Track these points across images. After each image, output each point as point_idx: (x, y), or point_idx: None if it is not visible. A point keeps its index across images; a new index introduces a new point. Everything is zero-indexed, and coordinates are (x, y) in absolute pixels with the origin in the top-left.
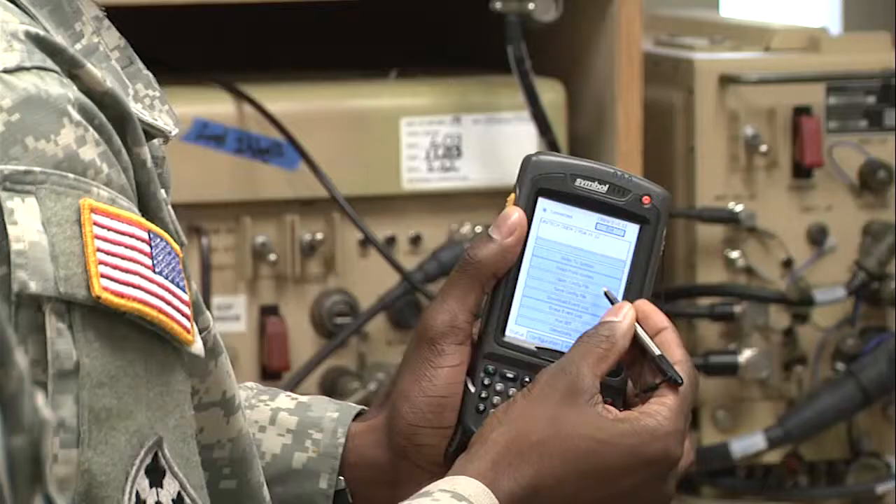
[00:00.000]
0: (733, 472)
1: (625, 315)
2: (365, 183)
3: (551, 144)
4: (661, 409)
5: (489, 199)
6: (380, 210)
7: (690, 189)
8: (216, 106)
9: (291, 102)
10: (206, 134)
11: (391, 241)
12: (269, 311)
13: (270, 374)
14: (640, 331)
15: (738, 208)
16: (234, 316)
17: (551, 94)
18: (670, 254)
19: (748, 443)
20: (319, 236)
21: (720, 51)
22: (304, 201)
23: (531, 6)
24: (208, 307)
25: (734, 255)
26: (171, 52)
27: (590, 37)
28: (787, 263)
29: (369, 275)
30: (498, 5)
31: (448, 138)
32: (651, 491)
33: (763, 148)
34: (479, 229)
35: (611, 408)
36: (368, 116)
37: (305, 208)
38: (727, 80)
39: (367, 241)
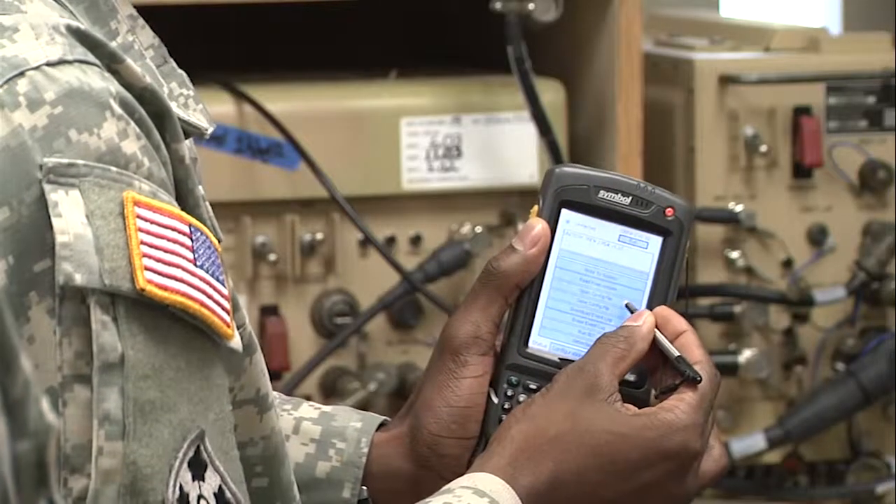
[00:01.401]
0: (733, 472)
1: (644, 320)
2: (365, 183)
3: (551, 144)
4: (678, 404)
5: (489, 199)
6: (380, 210)
7: (690, 189)
8: (216, 106)
9: (291, 102)
10: None
11: (391, 241)
12: (269, 311)
13: (270, 374)
14: (659, 335)
15: (738, 208)
16: None
17: (551, 94)
18: None
19: (748, 443)
20: (319, 236)
21: (720, 51)
22: (304, 201)
23: (531, 6)
24: None
25: (734, 255)
26: (172, 52)
27: (590, 37)
28: (787, 263)
29: (369, 275)
30: (498, 5)
31: (448, 138)
32: (671, 485)
33: (763, 148)
34: (479, 229)
35: (629, 405)
36: (368, 116)
37: (305, 208)
38: (727, 80)
39: (367, 241)
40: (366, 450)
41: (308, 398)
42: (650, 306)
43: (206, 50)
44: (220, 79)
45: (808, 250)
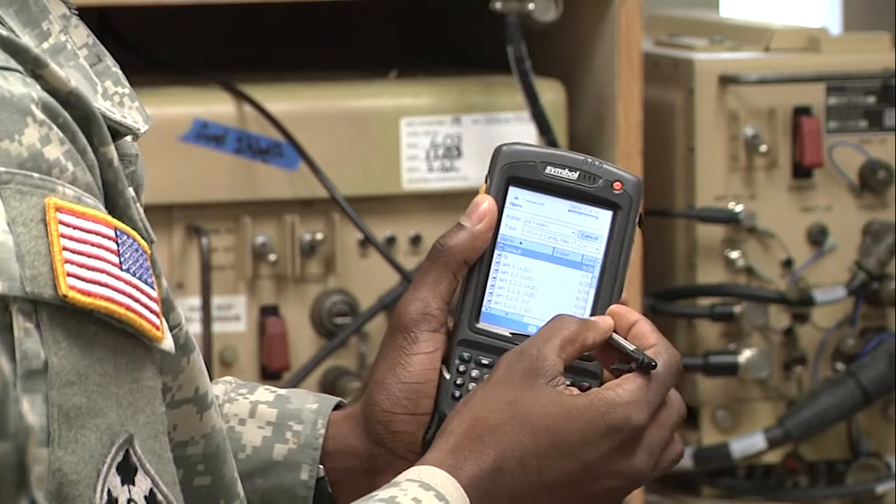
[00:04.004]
0: (733, 472)
1: (602, 318)
2: (365, 183)
3: (551, 144)
4: (623, 383)
5: None
6: (380, 210)
7: (690, 189)
8: (216, 106)
9: (291, 102)
10: (206, 134)
11: (391, 241)
12: (269, 311)
13: (270, 374)
14: (615, 336)
15: (738, 208)
16: (234, 316)
17: (551, 94)
18: (670, 254)
19: (748, 443)
20: (319, 236)
21: (720, 51)
22: (304, 201)
23: (531, 6)
24: (208, 307)
25: (734, 255)
26: (171, 52)
27: (590, 37)
28: (787, 263)
29: (369, 275)
30: (498, 5)
31: (448, 138)
32: (618, 461)
33: (763, 148)
34: None
35: (573, 388)
36: (368, 116)
37: (305, 208)
38: (727, 80)
39: (367, 241)
40: (322, 431)
41: None
42: (601, 280)
43: (206, 50)
44: (220, 79)
45: (808, 250)
